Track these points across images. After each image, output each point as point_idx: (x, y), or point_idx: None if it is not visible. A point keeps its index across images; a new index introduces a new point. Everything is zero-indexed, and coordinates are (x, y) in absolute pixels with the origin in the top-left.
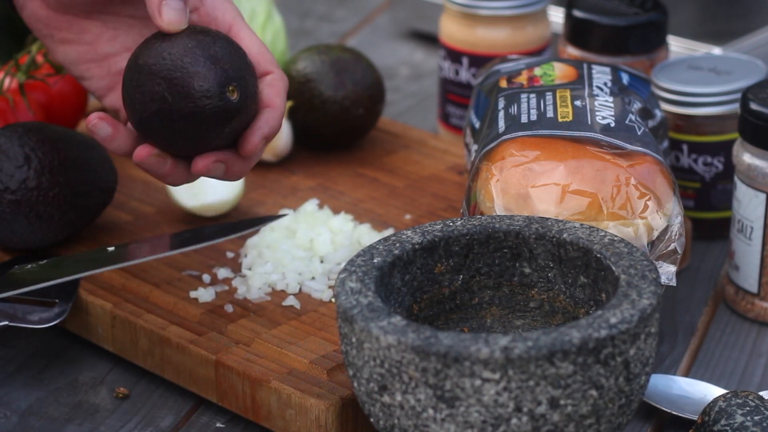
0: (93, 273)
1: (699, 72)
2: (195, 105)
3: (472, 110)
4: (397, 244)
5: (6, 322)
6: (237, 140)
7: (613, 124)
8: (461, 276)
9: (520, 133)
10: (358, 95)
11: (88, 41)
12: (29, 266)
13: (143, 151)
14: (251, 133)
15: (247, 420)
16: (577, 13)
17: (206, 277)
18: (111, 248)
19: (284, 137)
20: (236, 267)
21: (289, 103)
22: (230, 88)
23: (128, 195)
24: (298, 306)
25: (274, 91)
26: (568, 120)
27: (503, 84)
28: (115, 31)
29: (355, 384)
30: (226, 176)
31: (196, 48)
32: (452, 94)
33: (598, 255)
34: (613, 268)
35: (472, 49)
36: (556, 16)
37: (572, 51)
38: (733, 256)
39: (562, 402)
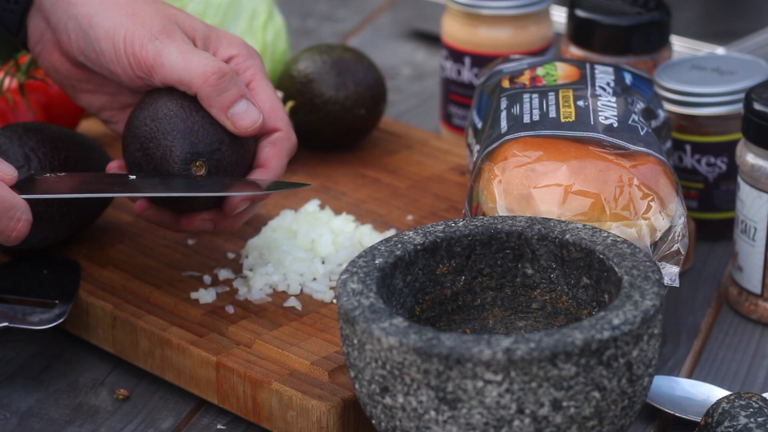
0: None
1: (702, 72)
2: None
3: (475, 110)
4: (399, 245)
5: (6, 324)
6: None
7: (616, 125)
8: (463, 277)
9: (522, 134)
10: (359, 95)
11: (110, 92)
12: (48, 174)
13: (140, 206)
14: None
15: (248, 422)
16: (580, 13)
17: (207, 278)
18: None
19: None
20: (237, 268)
21: (291, 103)
22: (197, 164)
23: None
24: (299, 307)
25: (274, 151)
26: (571, 120)
27: (506, 84)
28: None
29: (357, 386)
30: (217, 231)
31: (174, 117)
32: (454, 94)
33: (601, 256)
34: (616, 269)
35: (474, 49)
36: (559, 15)
37: (575, 51)
38: (736, 257)
39: (564, 404)
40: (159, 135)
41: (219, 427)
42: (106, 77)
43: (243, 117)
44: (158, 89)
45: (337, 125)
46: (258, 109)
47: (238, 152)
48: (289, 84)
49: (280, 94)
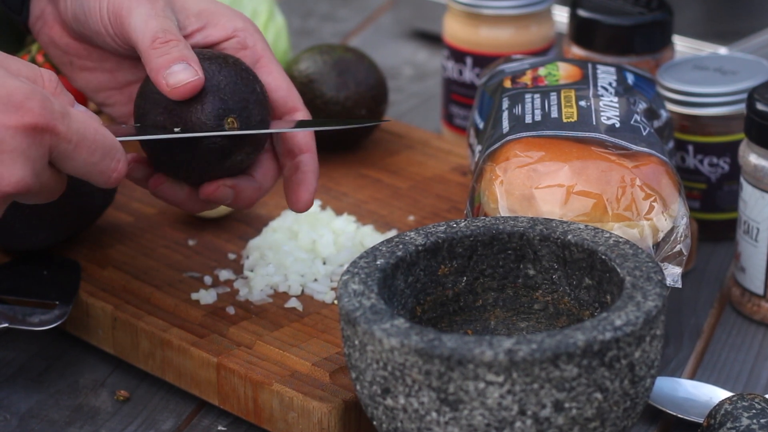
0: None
1: (705, 72)
2: (192, 138)
3: (476, 111)
4: (401, 246)
5: (6, 325)
6: (252, 165)
7: (618, 125)
8: (465, 278)
9: (524, 134)
10: (360, 96)
11: (109, 69)
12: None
13: (156, 181)
14: (267, 159)
15: (248, 423)
16: (582, 13)
17: (208, 279)
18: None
19: None
20: (238, 269)
21: None
22: (229, 120)
23: (129, 196)
24: (300, 308)
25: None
26: (573, 120)
27: (507, 84)
28: (136, 58)
29: (358, 387)
30: (237, 202)
31: None
32: (456, 94)
33: (603, 256)
34: (618, 269)
35: (475, 49)
36: (561, 15)
37: (577, 51)
38: (739, 257)
39: (566, 405)
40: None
41: (220, 428)
42: (101, 47)
43: (176, 75)
44: None
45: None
46: (195, 72)
47: (262, 113)
48: None
49: None
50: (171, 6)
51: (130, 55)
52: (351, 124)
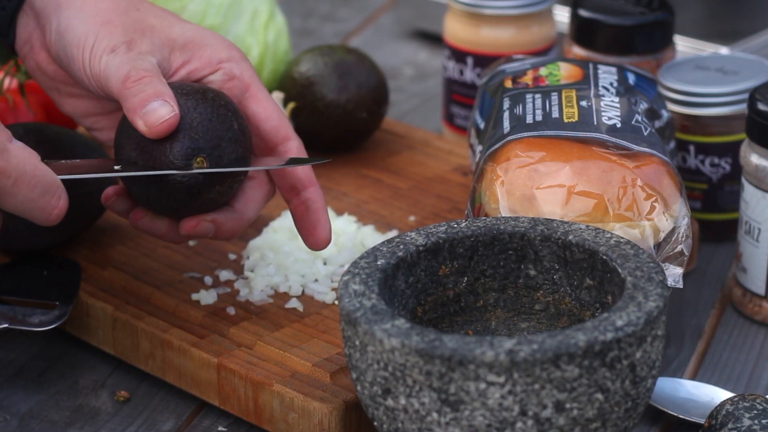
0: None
1: (706, 72)
2: (162, 176)
3: (477, 111)
4: (401, 246)
5: (6, 325)
6: (230, 198)
7: (619, 125)
8: (466, 278)
9: (525, 134)
10: (361, 98)
11: (95, 96)
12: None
13: (136, 215)
14: (251, 193)
15: (249, 423)
16: (583, 13)
17: (208, 279)
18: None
19: None
20: (238, 269)
21: (292, 105)
22: (198, 160)
23: None
24: (300, 308)
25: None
26: (574, 120)
27: (508, 84)
28: None
29: (359, 387)
30: (218, 235)
31: None
32: (457, 94)
33: (604, 257)
34: (620, 270)
35: (476, 49)
36: (562, 15)
37: (578, 51)
38: (740, 258)
39: (567, 405)
40: None
41: (220, 429)
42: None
43: (152, 114)
44: None
45: (339, 128)
46: (172, 108)
47: (238, 150)
48: (290, 86)
49: (281, 95)
50: (156, 41)
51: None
52: (303, 163)
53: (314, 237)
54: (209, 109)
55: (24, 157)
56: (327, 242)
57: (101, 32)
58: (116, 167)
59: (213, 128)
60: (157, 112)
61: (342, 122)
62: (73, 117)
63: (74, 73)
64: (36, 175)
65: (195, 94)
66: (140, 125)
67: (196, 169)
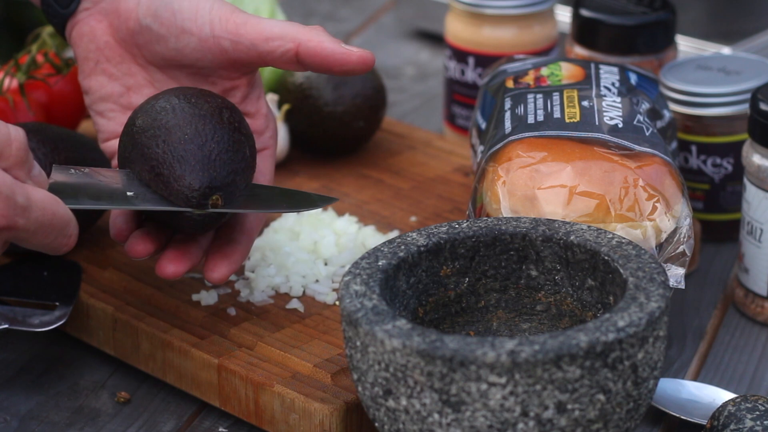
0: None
1: (708, 72)
2: (174, 210)
3: (478, 111)
4: (402, 247)
5: (6, 326)
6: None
7: (621, 125)
8: (467, 279)
9: (526, 134)
10: (357, 108)
11: (128, 85)
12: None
13: (139, 248)
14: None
15: (250, 424)
16: (585, 13)
17: None
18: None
19: (282, 141)
20: (239, 269)
21: (286, 107)
22: (214, 198)
23: None
24: (301, 309)
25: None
26: (576, 120)
27: (510, 84)
28: (158, 89)
29: (360, 388)
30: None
31: (191, 142)
32: (458, 94)
33: (606, 257)
34: (621, 270)
35: (478, 49)
36: (564, 15)
37: (579, 51)
38: (742, 258)
39: (569, 406)
40: (174, 161)
41: (221, 430)
42: (137, 65)
43: (353, 50)
44: (161, 96)
45: (336, 138)
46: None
47: (247, 178)
48: (284, 95)
49: (275, 97)
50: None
51: (164, 77)
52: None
53: (217, 266)
54: (226, 137)
55: (44, 207)
56: (224, 279)
57: None
58: (129, 193)
59: (229, 161)
60: (355, 50)
61: (338, 133)
62: (89, 94)
63: (179, 23)
64: (53, 224)
65: (213, 116)
66: (354, 56)
67: (211, 209)
